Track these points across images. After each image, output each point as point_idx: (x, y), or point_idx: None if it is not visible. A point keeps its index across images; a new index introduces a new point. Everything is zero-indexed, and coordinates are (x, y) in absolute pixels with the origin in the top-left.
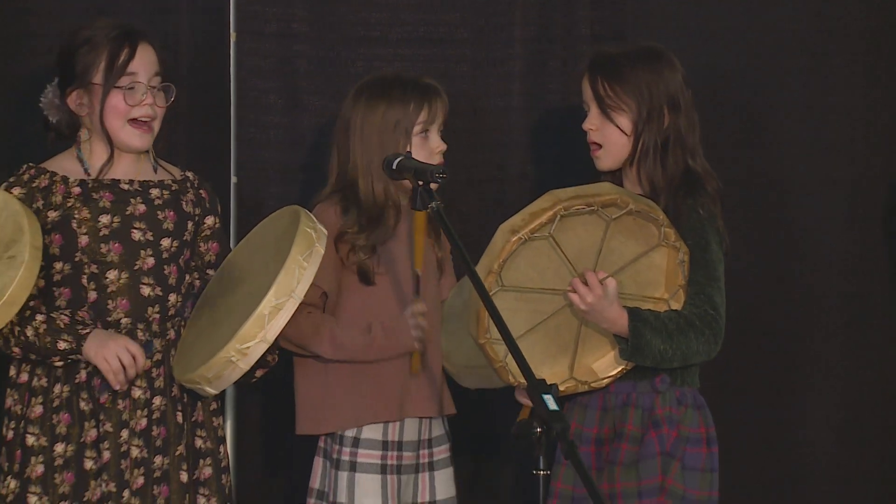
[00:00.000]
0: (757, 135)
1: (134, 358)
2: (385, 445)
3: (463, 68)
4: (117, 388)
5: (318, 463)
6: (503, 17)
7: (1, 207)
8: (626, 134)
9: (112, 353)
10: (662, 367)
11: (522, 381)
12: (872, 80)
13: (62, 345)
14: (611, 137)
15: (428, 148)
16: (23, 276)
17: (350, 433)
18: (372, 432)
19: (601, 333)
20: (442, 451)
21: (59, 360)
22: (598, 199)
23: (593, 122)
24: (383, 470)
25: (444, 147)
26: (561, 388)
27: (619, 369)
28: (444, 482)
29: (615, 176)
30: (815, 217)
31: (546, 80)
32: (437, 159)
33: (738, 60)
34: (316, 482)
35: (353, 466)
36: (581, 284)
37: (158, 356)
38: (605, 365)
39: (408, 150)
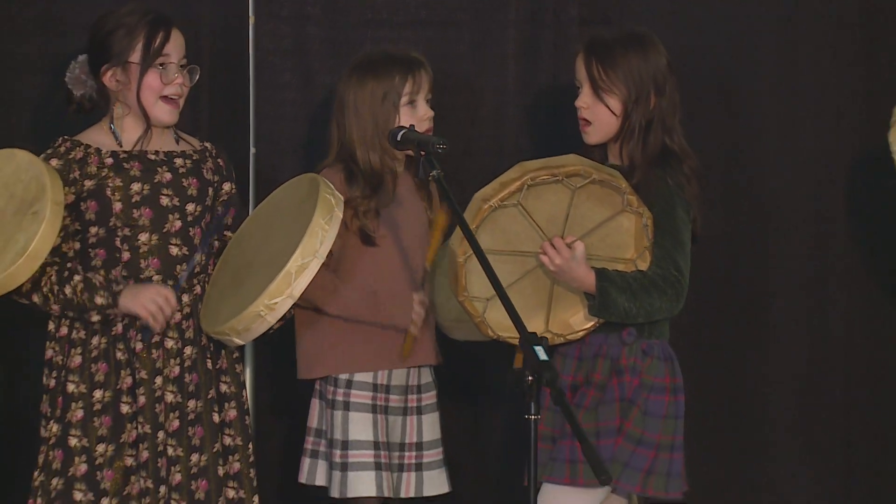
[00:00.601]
0: (732, 110)
1: (167, 298)
2: (375, 388)
3: (461, 49)
4: (158, 329)
5: (315, 404)
6: (498, 1)
7: (25, 168)
8: (615, 114)
9: (147, 300)
10: (628, 323)
11: (501, 333)
12: (840, 60)
13: (99, 300)
14: (600, 116)
15: (416, 116)
16: (44, 230)
17: (344, 376)
18: (363, 375)
19: (573, 291)
20: (429, 398)
21: (97, 315)
22: (562, 170)
23: (585, 101)
24: (374, 409)
25: (431, 114)
26: None
27: (592, 323)
28: (431, 425)
29: (601, 149)
30: (783, 185)
31: (538, 60)
32: (425, 125)
33: (715, 41)
34: (314, 422)
35: (347, 406)
36: (550, 247)
37: (188, 309)
38: (580, 319)
39: (398, 120)
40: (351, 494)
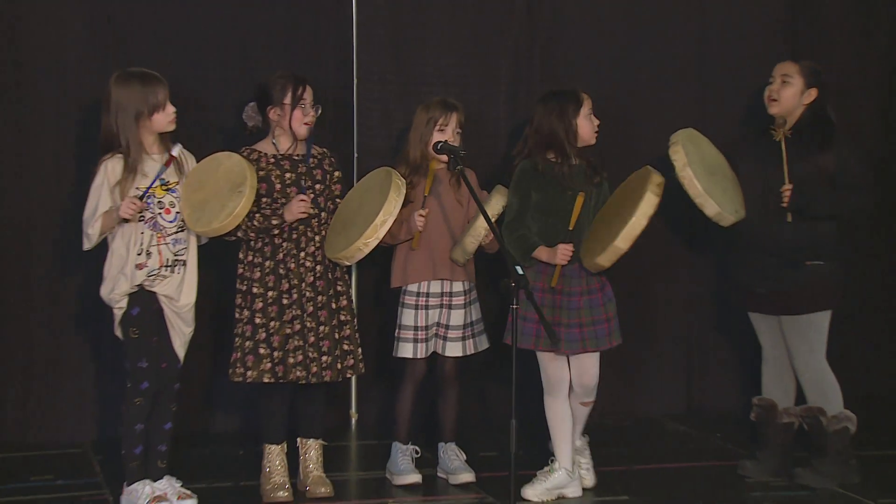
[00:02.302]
0: (628, 131)
1: (301, 199)
2: (418, 294)
3: (474, 97)
4: (308, 213)
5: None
6: (495, 71)
7: (237, 163)
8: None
9: (297, 206)
10: None
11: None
12: (682, 99)
13: (274, 221)
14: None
15: (444, 138)
16: (244, 202)
17: (403, 287)
18: (412, 286)
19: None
20: (458, 300)
21: (276, 230)
22: None
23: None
24: (416, 307)
25: (454, 138)
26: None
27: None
28: (455, 316)
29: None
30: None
31: (517, 103)
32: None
33: (618, 87)
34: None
35: (403, 304)
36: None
37: (319, 244)
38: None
39: (433, 138)
40: (399, 355)
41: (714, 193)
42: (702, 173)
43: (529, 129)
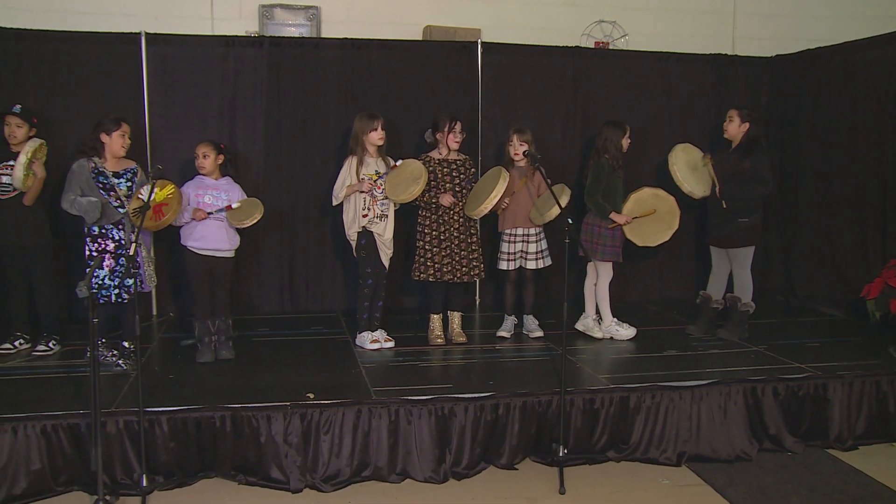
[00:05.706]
0: (639, 142)
1: (450, 197)
2: (510, 235)
3: (543, 127)
4: (450, 204)
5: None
6: (554, 112)
7: (417, 165)
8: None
9: (445, 200)
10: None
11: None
12: (666, 125)
13: (433, 201)
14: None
15: (514, 149)
16: (419, 187)
17: (502, 230)
18: (507, 230)
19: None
20: (532, 238)
21: (434, 205)
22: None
23: (600, 142)
24: (508, 242)
25: (521, 148)
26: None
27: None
28: (531, 247)
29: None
30: (659, 171)
31: (566, 132)
32: (519, 151)
33: (634, 116)
34: None
35: (501, 240)
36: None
37: (461, 207)
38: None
39: (511, 150)
40: (499, 268)
41: (688, 180)
42: (683, 168)
43: (600, 140)
